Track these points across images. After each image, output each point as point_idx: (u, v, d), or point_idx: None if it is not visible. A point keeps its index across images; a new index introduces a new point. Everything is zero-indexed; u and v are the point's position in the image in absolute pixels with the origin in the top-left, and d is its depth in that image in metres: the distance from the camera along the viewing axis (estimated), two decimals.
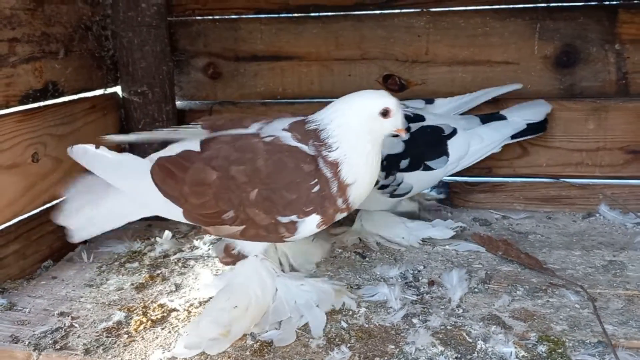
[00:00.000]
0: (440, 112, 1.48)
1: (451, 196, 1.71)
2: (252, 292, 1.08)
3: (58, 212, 1.17)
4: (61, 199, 1.18)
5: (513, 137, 1.45)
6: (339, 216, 1.07)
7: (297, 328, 1.06)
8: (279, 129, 1.07)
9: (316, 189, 1.01)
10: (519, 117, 1.46)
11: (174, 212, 1.08)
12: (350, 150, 1.03)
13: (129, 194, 1.12)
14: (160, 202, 1.08)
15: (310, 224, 1.04)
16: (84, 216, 1.15)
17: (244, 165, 1.02)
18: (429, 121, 1.38)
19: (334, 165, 1.02)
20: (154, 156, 1.12)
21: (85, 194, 1.16)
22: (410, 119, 1.36)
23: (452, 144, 1.37)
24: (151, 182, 1.08)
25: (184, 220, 1.09)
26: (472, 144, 1.40)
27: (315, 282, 1.16)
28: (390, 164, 1.32)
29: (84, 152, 1.13)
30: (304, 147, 1.03)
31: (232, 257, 1.13)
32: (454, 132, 1.38)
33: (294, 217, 1.03)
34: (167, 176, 1.07)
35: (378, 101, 1.05)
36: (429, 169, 1.37)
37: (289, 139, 1.04)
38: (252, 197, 1.02)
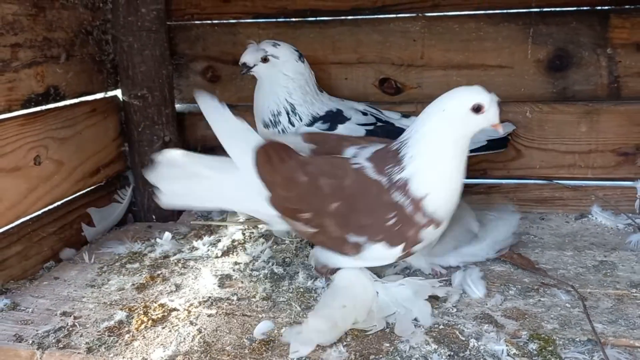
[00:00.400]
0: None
1: None
2: (356, 293, 1.13)
3: (150, 171, 1.18)
4: (155, 162, 1.19)
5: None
6: (427, 233, 1.10)
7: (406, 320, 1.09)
8: (365, 158, 1.14)
9: (392, 222, 1.08)
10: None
11: (262, 193, 1.13)
12: (424, 162, 1.07)
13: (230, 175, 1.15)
14: (252, 181, 1.12)
15: (377, 250, 1.11)
16: (180, 185, 1.18)
17: (332, 180, 1.11)
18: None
19: (403, 186, 1.07)
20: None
21: (180, 167, 1.18)
22: (381, 121, 1.45)
23: None
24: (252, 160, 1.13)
25: (267, 206, 1.14)
26: None
27: (413, 279, 1.19)
28: None
29: (210, 100, 1.16)
30: (383, 180, 1.09)
31: (323, 269, 1.22)
32: None
33: (361, 240, 1.10)
34: (265, 160, 1.12)
35: (468, 98, 1.06)
36: None
37: (370, 170, 1.11)
38: (331, 209, 1.10)
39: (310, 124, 1.44)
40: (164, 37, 1.67)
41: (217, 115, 1.16)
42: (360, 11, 1.67)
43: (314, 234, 1.14)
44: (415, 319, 1.09)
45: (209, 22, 1.76)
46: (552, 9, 1.57)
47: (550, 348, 1.00)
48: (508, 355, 0.98)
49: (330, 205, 1.10)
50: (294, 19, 1.71)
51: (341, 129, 1.42)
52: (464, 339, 1.03)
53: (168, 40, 1.70)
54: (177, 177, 1.18)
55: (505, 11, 1.59)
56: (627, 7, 1.54)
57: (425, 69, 1.67)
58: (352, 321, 1.08)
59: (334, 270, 1.20)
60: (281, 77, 1.43)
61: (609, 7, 1.55)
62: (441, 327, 1.07)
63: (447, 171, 1.08)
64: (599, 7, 1.55)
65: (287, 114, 1.43)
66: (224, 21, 1.75)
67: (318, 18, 1.69)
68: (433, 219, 1.08)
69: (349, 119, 1.44)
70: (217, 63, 1.78)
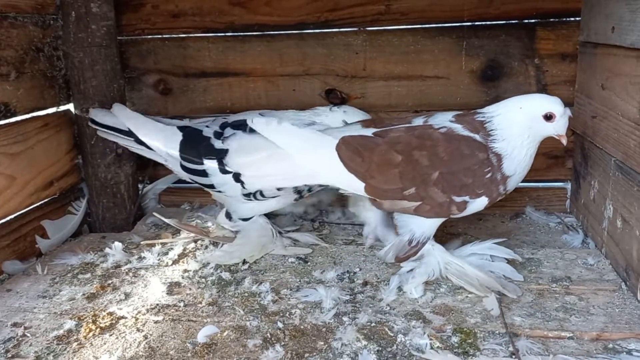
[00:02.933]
0: None
1: None
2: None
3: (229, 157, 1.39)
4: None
5: None
6: (498, 199, 1.26)
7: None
8: (446, 121, 1.25)
9: (488, 175, 1.20)
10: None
11: (354, 186, 1.26)
12: (512, 144, 1.20)
13: (308, 165, 1.28)
14: (341, 175, 1.25)
15: (479, 204, 1.24)
16: (258, 170, 1.35)
17: (425, 151, 1.21)
18: None
19: (499, 157, 1.20)
20: (337, 134, 1.28)
21: (254, 150, 1.35)
22: None
23: None
24: (336, 157, 1.24)
25: (362, 193, 1.27)
26: None
27: (469, 248, 1.39)
28: None
29: (266, 124, 1.28)
30: (476, 137, 1.21)
31: (413, 249, 1.31)
32: None
33: (466, 198, 1.22)
34: (354, 154, 1.23)
35: (544, 105, 1.21)
36: None
37: (460, 129, 1.22)
38: (433, 178, 1.20)
39: None
40: (115, 52, 1.71)
41: (277, 132, 1.27)
42: (305, 26, 1.74)
43: (419, 206, 1.23)
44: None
45: (159, 36, 1.81)
46: (483, 23, 1.67)
47: (470, 340, 1.09)
48: (432, 348, 1.07)
49: (432, 175, 1.20)
50: (242, 33, 1.78)
51: None
52: (392, 335, 1.11)
53: (119, 54, 1.75)
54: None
55: (440, 25, 1.68)
56: (551, 20, 1.65)
57: (368, 80, 1.75)
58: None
59: (423, 245, 1.30)
60: None
61: (536, 20, 1.66)
62: (373, 324, 1.15)
63: (526, 161, 1.23)
64: (526, 20, 1.66)
65: None
66: (174, 35, 1.81)
67: (265, 32, 1.76)
68: (506, 193, 1.25)
69: None
70: (168, 76, 1.84)
